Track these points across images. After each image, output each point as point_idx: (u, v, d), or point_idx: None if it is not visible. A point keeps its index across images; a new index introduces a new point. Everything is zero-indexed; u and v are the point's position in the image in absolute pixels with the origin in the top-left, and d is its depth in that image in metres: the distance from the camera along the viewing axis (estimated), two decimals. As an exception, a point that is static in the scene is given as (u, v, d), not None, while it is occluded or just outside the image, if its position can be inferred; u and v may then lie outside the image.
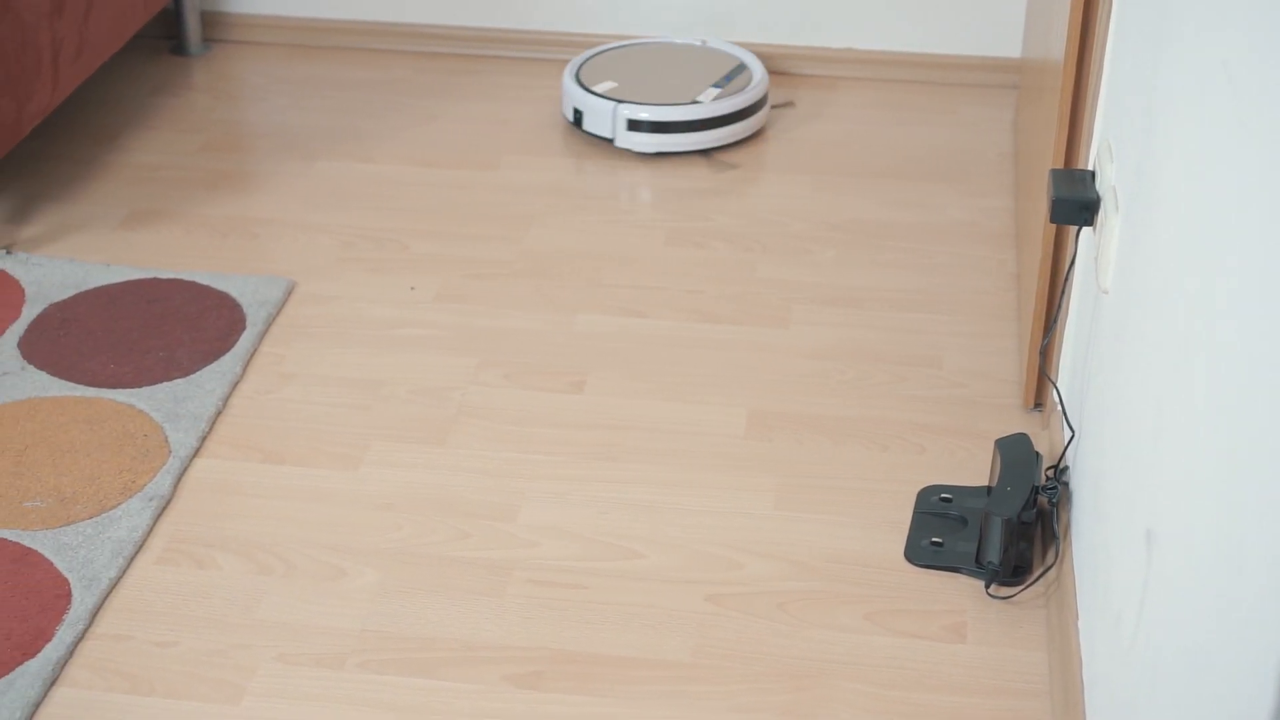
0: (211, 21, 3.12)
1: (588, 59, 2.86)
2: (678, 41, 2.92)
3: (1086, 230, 1.85)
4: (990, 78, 2.96)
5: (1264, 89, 1.03)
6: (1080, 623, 1.67)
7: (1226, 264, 1.11)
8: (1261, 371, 0.99)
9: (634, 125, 2.70)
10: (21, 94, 2.43)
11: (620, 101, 2.71)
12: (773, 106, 2.83)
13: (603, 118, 2.72)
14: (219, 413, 2.13)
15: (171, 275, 2.39)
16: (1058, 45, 1.99)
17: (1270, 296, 0.98)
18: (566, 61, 3.04)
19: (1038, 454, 1.92)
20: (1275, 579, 0.93)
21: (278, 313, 2.32)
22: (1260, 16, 1.05)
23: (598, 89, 2.74)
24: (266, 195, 2.62)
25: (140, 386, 2.15)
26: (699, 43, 2.88)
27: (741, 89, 2.75)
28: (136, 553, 1.90)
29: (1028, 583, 1.85)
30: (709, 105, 2.70)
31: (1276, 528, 0.93)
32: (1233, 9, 1.14)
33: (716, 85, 2.72)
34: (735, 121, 2.74)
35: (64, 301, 2.33)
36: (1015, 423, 2.11)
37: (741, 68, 2.82)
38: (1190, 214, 1.26)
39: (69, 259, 2.43)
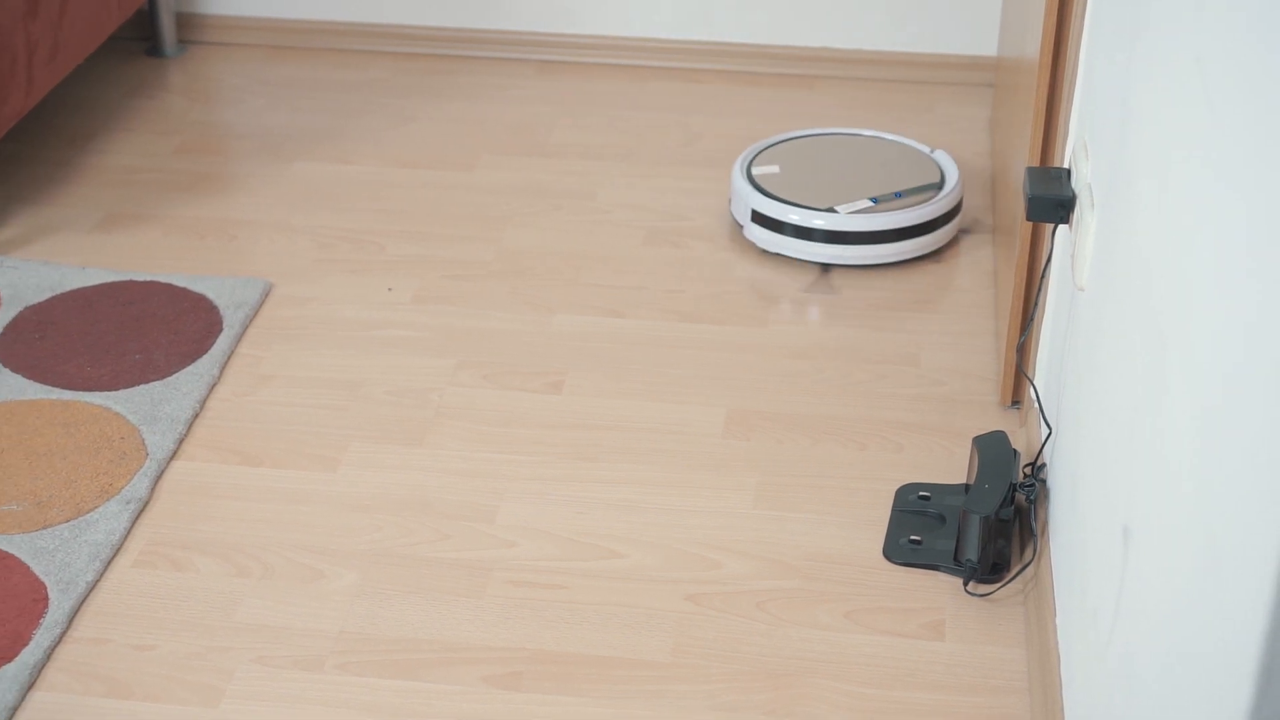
0: (186, 23, 3.11)
1: (784, 140, 2.58)
2: (903, 143, 2.59)
3: (1063, 228, 1.86)
4: (967, 76, 2.97)
5: (1237, 84, 1.04)
6: (1058, 619, 1.67)
7: (1201, 260, 1.12)
8: (1237, 367, 1.00)
9: (757, 217, 2.43)
10: (-4, 96, 2.42)
11: (758, 189, 2.45)
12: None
13: (739, 202, 2.46)
14: (196, 415, 2.12)
15: (148, 277, 2.38)
16: (1033, 43, 2.00)
17: (1245, 292, 0.99)
18: (543, 62, 3.04)
19: (1015, 451, 1.93)
20: (1250, 576, 0.93)
21: (255, 314, 2.32)
22: (1232, 12, 1.05)
23: (756, 170, 2.47)
24: (243, 197, 2.62)
25: (117, 389, 2.15)
26: (927, 150, 2.52)
27: (905, 208, 2.39)
28: (114, 556, 1.90)
29: (1006, 580, 1.85)
30: (844, 218, 2.37)
31: (1252, 524, 0.94)
32: (1205, 5, 1.15)
33: (876, 199, 2.35)
34: (865, 243, 2.37)
35: (40, 304, 2.32)
36: (993, 420, 2.12)
37: (933, 187, 2.45)
38: (1165, 210, 1.26)
39: (44, 261, 2.42)
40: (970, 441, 2.06)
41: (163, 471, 2.02)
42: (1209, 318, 1.08)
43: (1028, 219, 1.76)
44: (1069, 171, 1.79)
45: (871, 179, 2.48)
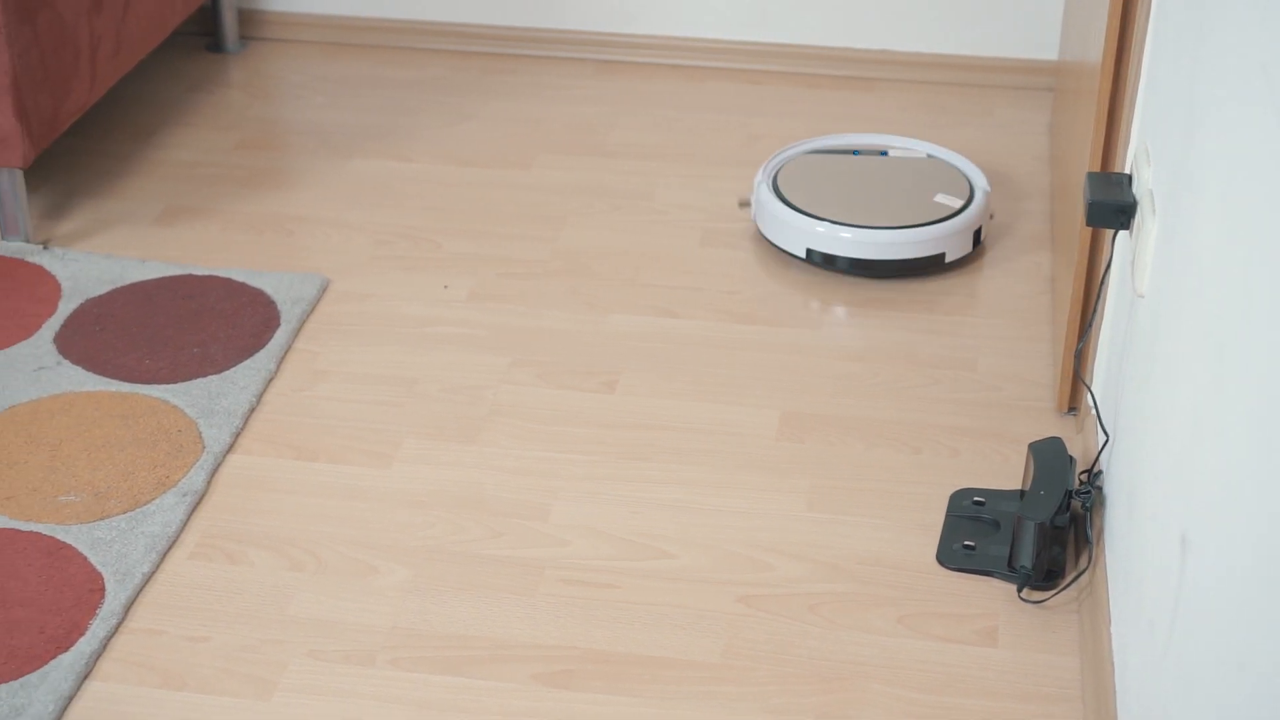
0: (248, 19, 3.13)
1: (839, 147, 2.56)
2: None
3: (1123, 234, 1.84)
4: (1026, 80, 2.95)
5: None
6: (1113, 628, 1.66)
7: (1265, 268, 1.11)
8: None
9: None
10: (59, 90, 2.45)
11: (772, 185, 2.45)
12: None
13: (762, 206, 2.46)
14: (253, 409, 2.13)
15: (207, 272, 2.40)
16: (1095, 48, 1.98)
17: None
18: (601, 61, 3.04)
19: (1071, 458, 1.91)
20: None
21: (312, 310, 2.33)
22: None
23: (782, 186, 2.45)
24: (302, 193, 2.63)
25: (175, 382, 2.16)
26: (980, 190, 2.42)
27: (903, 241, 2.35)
28: (170, 548, 1.91)
29: (1060, 587, 1.84)
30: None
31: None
32: (1273, 12, 1.14)
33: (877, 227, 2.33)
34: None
35: (100, 297, 2.34)
36: (1049, 426, 2.11)
37: (948, 217, 2.38)
38: (1228, 218, 1.25)
39: (105, 255, 2.44)
40: (1026, 447, 2.05)
41: (219, 464, 2.04)
42: (1269, 327, 1.07)
43: (1087, 224, 1.75)
44: (1130, 177, 1.78)
45: (898, 199, 2.43)
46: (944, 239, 2.37)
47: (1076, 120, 2.20)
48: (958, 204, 2.41)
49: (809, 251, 2.38)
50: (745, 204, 2.51)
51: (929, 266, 2.39)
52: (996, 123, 2.84)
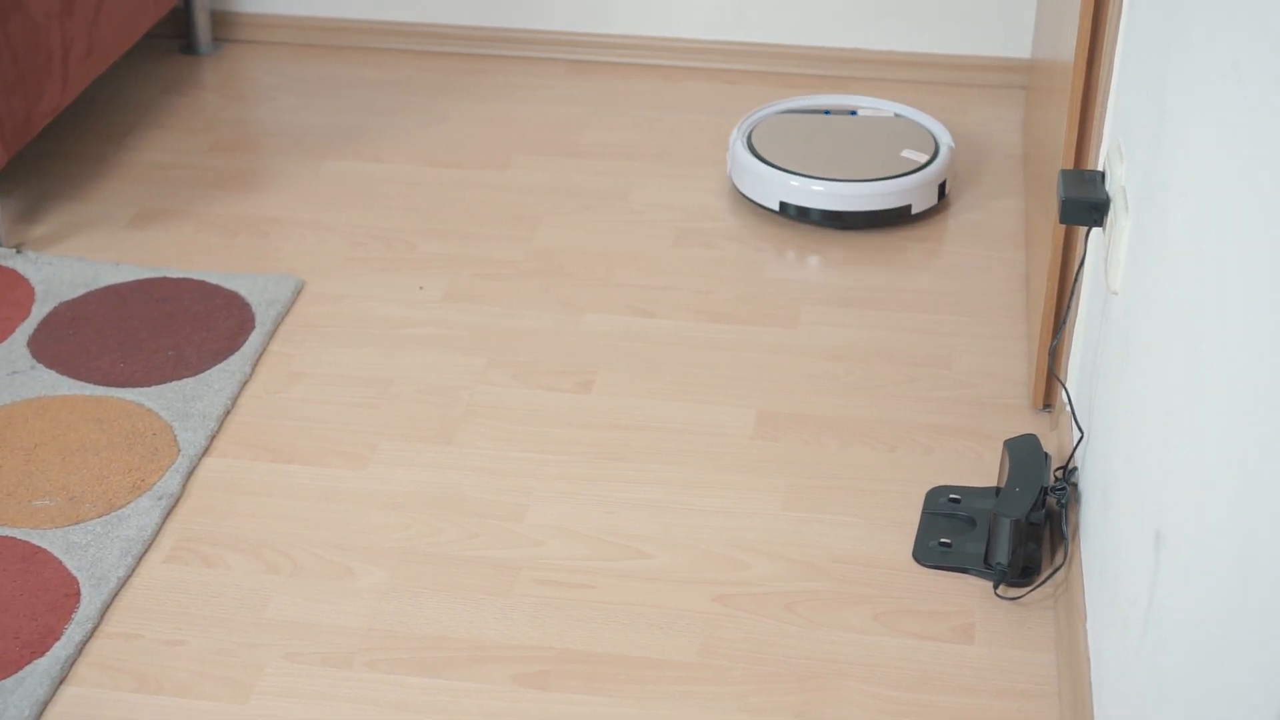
0: (221, 21, 3.12)
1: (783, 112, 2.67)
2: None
3: (1096, 231, 1.85)
4: (1000, 78, 2.96)
5: (1275, 88, 1.03)
6: (1089, 624, 1.67)
7: (1237, 264, 1.11)
8: (1272, 372, 0.99)
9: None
10: (32, 93, 2.44)
11: (747, 143, 2.56)
12: None
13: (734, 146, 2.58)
14: (228, 412, 2.13)
15: (181, 274, 2.39)
16: (1068, 46, 1.99)
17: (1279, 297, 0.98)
18: (575, 61, 3.04)
19: (1046, 455, 1.92)
20: (1284, 581, 0.93)
21: (287, 312, 2.33)
22: (1270, 16, 1.05)
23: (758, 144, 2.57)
24: (276, 194, 2.63)
25: (149, 385, 2.16)
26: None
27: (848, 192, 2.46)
28: (145, 551, 1.90)
29: (1036, 584, 1.84)
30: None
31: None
32: (1242, 9, 1.14)
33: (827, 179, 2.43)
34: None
35: (73, 300, 2.33)
36: (1024, 423, 2.11)
37: (914, 170, 2.50)
38: (1200, 214, 1.26)
39: (79, 258, 2.44)
40: (1001, 444, 2.05)
41: (194, 468, 2.03)
42: (1244, 322, 1.08)
43: (1061, 222, 1.76)
44: (1103, 174, 1.78)
45: (869, 153, 2.54)
46: (910, 191, 2.49)
47: (1050, 118, 2.21)
48: (924, 159, 2.54)
49: (782, 204, 2.49)
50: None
51: (896, 218, 2.50)
52: (970, 121, 2.84)
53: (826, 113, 2.65)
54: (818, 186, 2.47)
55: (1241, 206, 1.11)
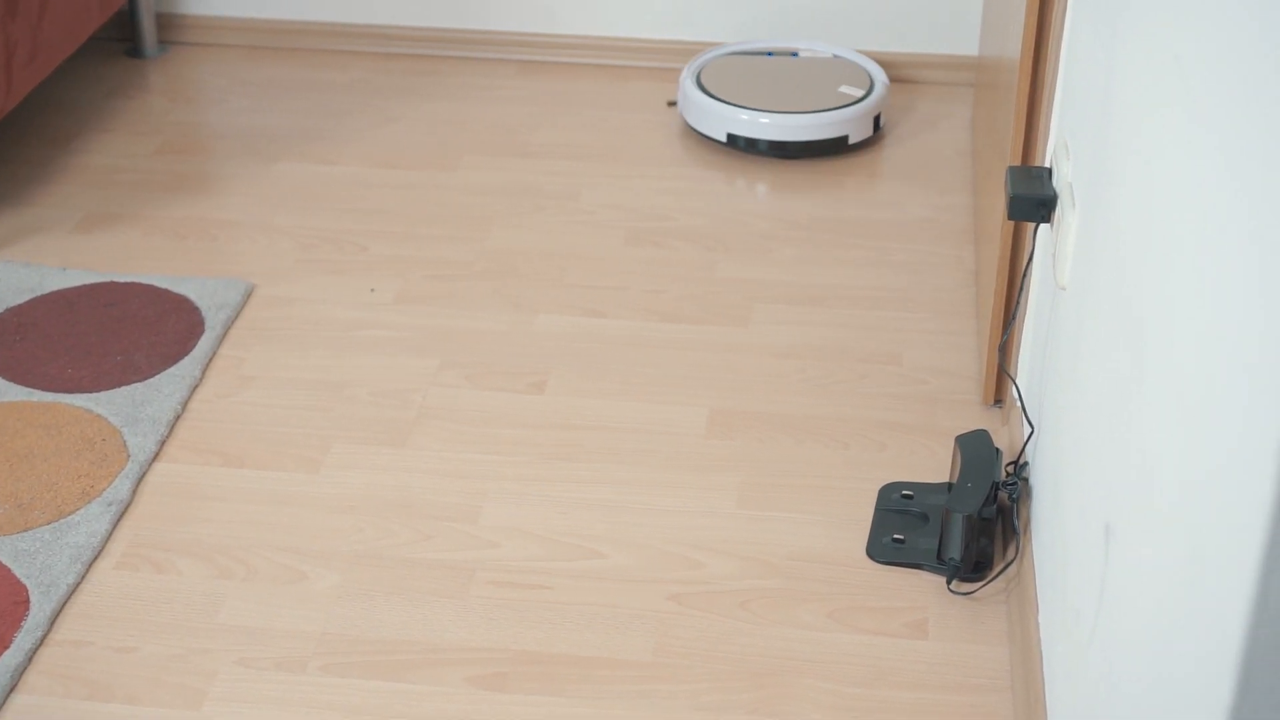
0: (167, 24, 3.10)
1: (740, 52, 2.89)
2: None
3: (1044, 227, 1.86)
4: (948, 75, 2.97)
5: (1216, 82, 1.04)
6: (1041, 617, 1.67)
7: (1182, 259, 1.12)
8: (1218, 365, 1.00)
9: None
10: (-24, 97, 2.42)
11: (696, 82, 2.77)
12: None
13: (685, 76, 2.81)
14: (178, 416, 2.11)
15: (129, 279, 2.38)
16: (1014, 43, 2.00)
17: (1226, 290, 0.99)
18: (524, 62, 3.04)
19: (998, 450, 1.93)
20: (1232, 574, 0.94)
21: (237, 315, 2.31)
22: (1211, 9, 1.06)
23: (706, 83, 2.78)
24: (225, 197, 2.61)
25: (98, 391, 2.14)
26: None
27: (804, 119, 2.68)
28: (95, 558, 1.89)
29: (989, 579, 1.85)
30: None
31: (1234, 523, 0.94)
32: (1184, 3, 1.15)
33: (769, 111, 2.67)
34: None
35: (20, 306, 2.31)
36: (975, 419, 2.12)
37: (851, 102, 2.73)
38: (1146, 209, 1.27)
39: (24, 263, 2.42)
40: (953, 440, 2.06)
41: (144, 473, 2.02)
42: (1189, 316, 1.08)
43: (1009, 218, 1.77)
44: (1050, 171, 1.79)
45: (807, 89, 2.76)
46: (848, 123, 2.71)
47: (997, 115, 2.22)
48: (860, 94, 2.76)
49: (730, 136, 2.70)
50: (673, 103, 2.85)
51: (835, 148, 2.72)
52: (918, 118, 2.86)
53: (770, 54, 2.87)
54: (764, 119, 2.68)
55: (1185, 200, 1.12)
